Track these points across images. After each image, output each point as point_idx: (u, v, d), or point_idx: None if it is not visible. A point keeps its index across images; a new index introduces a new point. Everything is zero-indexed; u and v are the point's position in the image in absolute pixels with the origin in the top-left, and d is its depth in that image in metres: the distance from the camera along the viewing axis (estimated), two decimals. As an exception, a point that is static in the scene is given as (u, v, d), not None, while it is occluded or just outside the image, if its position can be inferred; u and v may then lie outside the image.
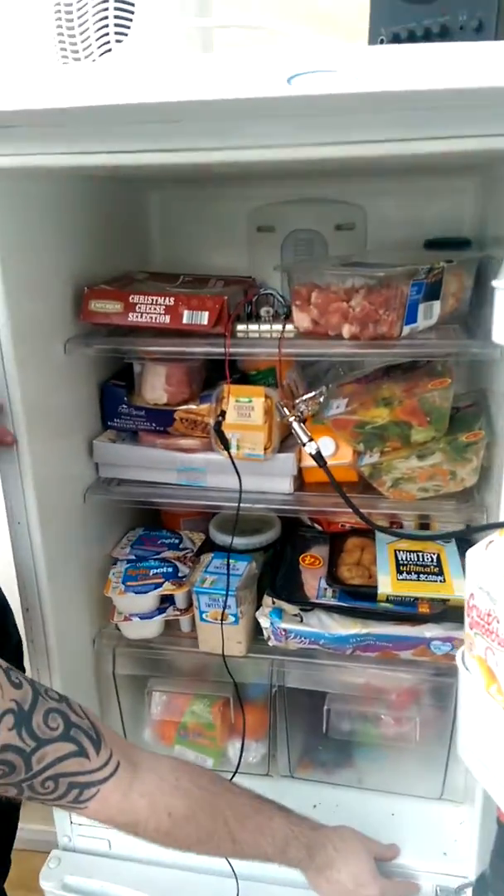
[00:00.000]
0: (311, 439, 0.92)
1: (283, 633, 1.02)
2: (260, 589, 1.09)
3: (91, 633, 1.13)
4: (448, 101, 0.61)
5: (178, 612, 1.09)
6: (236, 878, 0.96)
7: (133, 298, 0.97)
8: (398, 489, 0.97)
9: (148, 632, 1.10)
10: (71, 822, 1.09)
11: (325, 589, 1.04)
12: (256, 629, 1.07)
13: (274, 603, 1.04)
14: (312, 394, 0.98)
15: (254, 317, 1.03)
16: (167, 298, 0.96)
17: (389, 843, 1.00)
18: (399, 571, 1.02)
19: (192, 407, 1.03)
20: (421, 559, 1.04)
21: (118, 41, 0.76)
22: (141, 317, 0.96)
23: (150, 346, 0.99)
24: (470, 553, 0.65)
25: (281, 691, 1.09)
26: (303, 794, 1.10)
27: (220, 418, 0.98)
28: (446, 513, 1.01)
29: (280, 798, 0.88)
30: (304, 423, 0.95)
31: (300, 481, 1.04)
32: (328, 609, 1.02)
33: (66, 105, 0.63)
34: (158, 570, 1.09)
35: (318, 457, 0.92)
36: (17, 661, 1.01)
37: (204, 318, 0.94)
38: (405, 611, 0.99)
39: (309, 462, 0.97)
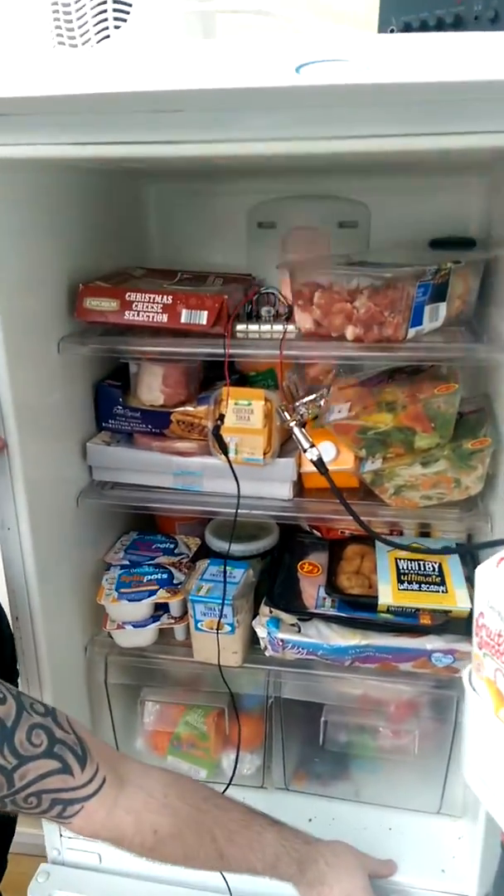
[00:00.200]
0: (312, 445, 0.89)
1: (281, 643, 0.99)
2: (257, 596, 1.06)
3: (83, 640, 1.09)
4: (472, 94, 0.58)
5: (173, 621, 1.06)
6: (230, 894, 0.93)
7: (129, 296, 0.94)
8: (400, 497, 0.95)
9: (141, 640, 1.07)
10: (60, 836, 1.06)
11: (324, 598, 1.01)
12: (253, 638, 1.04)
13: (271, 612, 1.01)
14: (313, 396, 0.96)
15: (254, 316, 1.00)
16: (165, 297, 0.93)
17: (386, 860, 0.97)
18: (400, 581, 0.99)
19: (190, 409, 0.99)
20: (422, 568, 1.01)
21: (116, 27, 0.73)
22: (138, 315, 0.93)
23: (146, 346, 0.96)
24: (479, 570, 0.63)
25: (277, 702, 1.06)
26: (298, 807, 1.08)
27: (219, 422, 0.95)
28: (449, 521, 0.98)
29: (275, 811, 0.86)
30: (304, 428, 0.92)
31: (300, 487, 1.01)
32: (327, 619, 0.99)
33: (62, 93, 0.60)
34: (153, 577, 1.06)
35: (319, 464, 0.89)
36: (12, 662, 0.98)
37: (203, 317, 0.91)
38: (406, 622, 0.96)
39: (309, 467, 0.94)
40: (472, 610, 0.94)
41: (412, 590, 0.97)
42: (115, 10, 0.73)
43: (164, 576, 1.07)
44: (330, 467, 0.91)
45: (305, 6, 0.97)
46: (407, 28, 0.72)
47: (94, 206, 1.03)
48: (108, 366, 1.09)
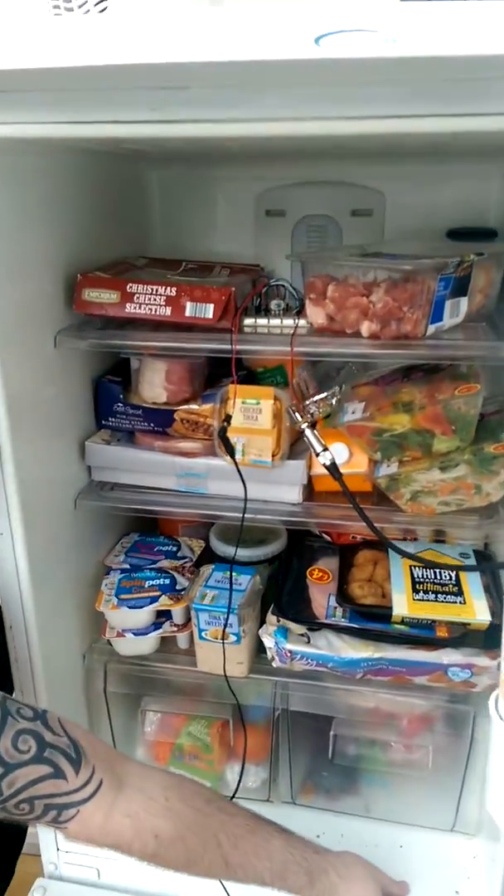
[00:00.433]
0: (325, 448, 0.84)
1: (289, 654, 0.94)
2: (264, 603, 1.01)
3: (81, 648, 1.05)
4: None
5: (176, 629, 1.02)
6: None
7: (131, 288, 0.88)
8: (417, 503, 0.89)
9: (142, 648, 1.03)
10: (58, 850, 1.02)
11: (335, 608, 0.96)
12: (259, 647, 0.99)
13: (279, 621, 0.96)
14: (324, 395, 0.91)
15: (263, 310, 0.95)
16: (169, 288, 0.87)
17: (399, 881, 0.93)
18: (415, 590, 0.94)
19: (194, 407, 0.94)
20: (438, 577, 0.96)
21: (117, -5, 0.67)
22: (139, 308, 0.88)
23: (149, 341, 0.91)
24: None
25: (284, 714, 1.02)
26: (305, 822, 1.02)
27: (226, 423, 0.90)
28: (467, 529, 0.93)
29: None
30: (315, 429, 0.87)
31: (310, 490, 0.96)
32: (338, 630, 0.94)
33: (57, 65, 0.54)
34: (154, 582, 1.02)
35: (333, 468, 0.84)
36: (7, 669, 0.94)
37: (209, 311, 0.86)
38: (422, 634, 0.91)
39: (320, 469, 0.89)
40: (491, 623, 0.90)
41: (428, 600, 0.93)
42: (115, -23, 0.67)
43: (167, 581, 1.02)
44: (342, 470, 0.86)
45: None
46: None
47: (93, 191, 0.98)
48: (108, 361, 1.04)
